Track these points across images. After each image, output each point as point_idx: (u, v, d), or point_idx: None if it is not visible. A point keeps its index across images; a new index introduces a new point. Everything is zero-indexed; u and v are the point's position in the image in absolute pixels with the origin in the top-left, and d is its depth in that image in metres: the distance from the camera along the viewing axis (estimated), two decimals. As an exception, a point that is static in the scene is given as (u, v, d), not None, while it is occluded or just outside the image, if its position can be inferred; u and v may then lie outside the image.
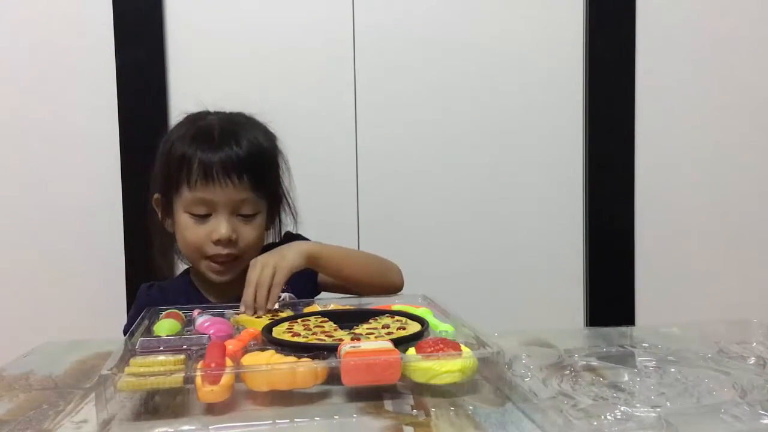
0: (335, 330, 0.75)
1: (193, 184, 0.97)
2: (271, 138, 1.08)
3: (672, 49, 1.47)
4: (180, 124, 1.07)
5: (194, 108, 1.39)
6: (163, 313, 0.85)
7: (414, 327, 0.76)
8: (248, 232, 1.01)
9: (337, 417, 0.59)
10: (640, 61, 1.46)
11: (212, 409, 0.60)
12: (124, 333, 1.01)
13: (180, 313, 0.85)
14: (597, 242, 1.48)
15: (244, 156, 0.99)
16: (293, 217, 1.11)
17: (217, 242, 0.98)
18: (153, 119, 1.39)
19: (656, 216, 1.49)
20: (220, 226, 0.98)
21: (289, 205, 1.10)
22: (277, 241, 1.12)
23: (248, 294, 0.88)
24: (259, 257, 0.93)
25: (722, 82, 1.49)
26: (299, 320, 0.80)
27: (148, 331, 0.78)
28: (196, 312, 0.86)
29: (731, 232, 1.51)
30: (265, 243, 1.10)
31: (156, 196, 1.06)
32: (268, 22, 1.41)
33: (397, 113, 1.44)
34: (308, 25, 1.41)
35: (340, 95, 1.41)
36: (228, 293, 1.01)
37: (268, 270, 0.89)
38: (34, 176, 1.40)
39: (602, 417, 0.55)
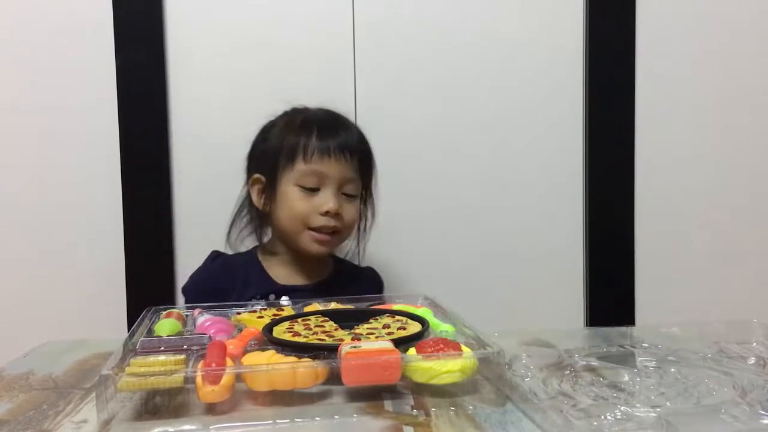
0: (336, 330, 0.75)
1: (309, 157, 1.06)
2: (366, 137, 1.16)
3: (672, 49, 1.47)
4: (285, 116, 1.15)
5: (196, 108, 1.40)
6: (164, 312, 0.85)
7: (414, 327, 0.76)
8: (350, 211, 1.09)
9: (337, 417, 0.60)
10: (640, 61, 1.46)
11: (212, 409, 0.61)
12: (183, 292, 1.14)
13: (181, 312, 0.86)
14: (597, 242, 1.48)
15: (355, 141, 1.11)
16: (372, 215, 1.19)
17: (325, 214, 1.06)
18: (153, 120, 1.39)
19: (656, 216, 1.49)
20: (330, 200, 1.06)
21: (372, 204, 1.18)
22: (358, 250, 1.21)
23: None
24: None
25: (722, 81, 1.49)
26: (300, 320, 0.80)
27: (149, 331, 0.78)
28: (196, 311, 0.86)
29: (731, 232, 1.51)
30: None
31: (256, 176, 1.12)
32: (268, 23, 1.41)
33: (397, 113, 1.44)
34: (308, 25, 1.41)
35: (341, 95, 1.41)
36: (292, 278, 1.11)
37: None
38: (34, 176, 1.40)
39: (602, 417, 0.55)
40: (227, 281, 1.11)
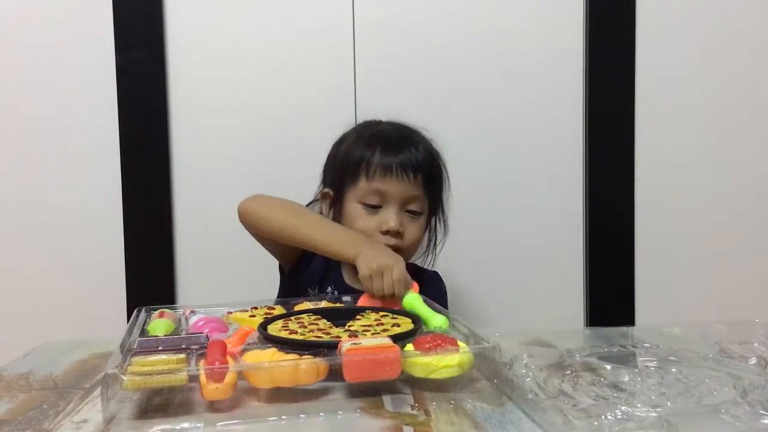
0: (330, 327, 0.76)
1: (371, 176, 1.05)
2: (437, 150, 1.15)
3: (672, 48, 1.47)
4: (354, 130, 1.15)
5: (195, 108, 1.40)
6: (155, 312, 0.86)
7: (406, 322, 0.77)
8: (413, 229, 1.08)
9: (341, 413, 0.60)
10: (640, 61, 1.46)
11: (214, 407, 0.61)
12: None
13: (172, 312, 0.86)
14: (597, 242, 1.48)
15: (420, 158, 1.08)
16: (444, 229, 1.18)
17: (386, 233, 1.04)
18: (153, 120, 1.39)
19: (656, 216, 1.49)
20: (390, 218, 1.04)
21: (444, 218, 1.18)
22: (428, 266, 1.19)
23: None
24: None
25: (722, 81, 1.49)
26: (293, 318, 0.80)
27: (142, 332, 0.78)
28: (187, 311, 0.86)
29: (731, 232, 1.51)
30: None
31: (325, 190, 1.13)
32: (268, 23, 1.41)
33: (397, 113, 1.43)
34: (308, 24, 1.41)
35: (340, 94, 1.41)
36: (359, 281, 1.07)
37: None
38: (33, 176, 1.40)
39: (603, 417, 0.55)
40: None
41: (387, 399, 0.63)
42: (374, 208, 1.05)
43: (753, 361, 0.71)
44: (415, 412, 0.60)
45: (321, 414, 0.60)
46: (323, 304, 0.92)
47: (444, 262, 1.44)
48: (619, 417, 0.55)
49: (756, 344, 0.77)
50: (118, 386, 0.58)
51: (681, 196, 1.50)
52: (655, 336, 0.85)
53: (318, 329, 0.75)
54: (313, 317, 0.81)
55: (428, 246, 1.18)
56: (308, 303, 0.91)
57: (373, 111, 1.41)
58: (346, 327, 0.76)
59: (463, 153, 1.45)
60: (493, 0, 1.44)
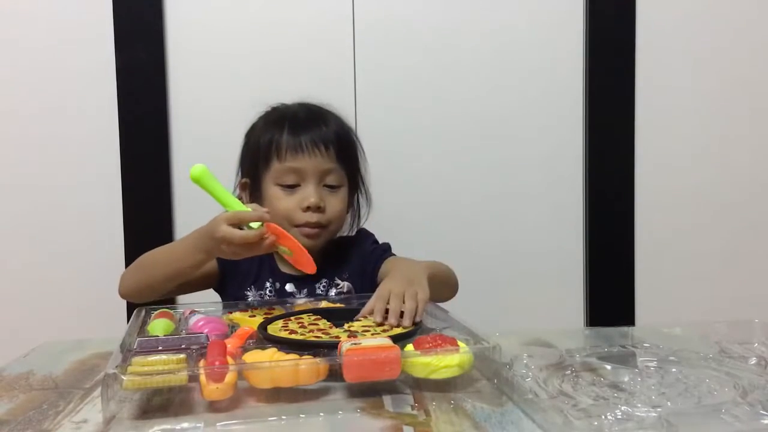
0: (330, 327, 0.76)
1: (283, 156, 1.04)
2: (348, 124, 1.14)
3: (672, 49, 1.47)
4: (263, 116, 1.14)
5: (196, 108, 1.40)
6: (155, 312, 0.86)
7: None
8: (334, 202, 1.06)
9: (341, 413, 0.60)
10: (640, 62, 1.46)
11: (214, 407, 0.61)
12: None
13: (172, 312, 0.86)
14: (597, 242, 1.48)
15: (330, 132, 1.07)
16: (367, 202, 1.17)
17: (307, 209, 1.03)
18: (153, 120, 1.39)
19: (656, 216, 1.49)
20: (310, 194, 1.04)
21: (365, 191, 1.16)
22: (351, 234, 1.16)
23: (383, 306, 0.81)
24: (392, 287, 0.84)
25: (722, 82, 1.49)
26: (293, 318, 0.81)
27: (142, 332, 0.78)
28: (187, 311, 0.86)
29: (731, 232, 1.51)
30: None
31: (243, 180, 1.12)
32: (268, 22, 1.41)
33: (397, 112, 1.44)
34: (308, 24, 1.41)
35: (340, 94, 1.41)
36: (292, 268, 1.06)
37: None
38: (34, 176, 1.40)
39: (603, 417, 0.55)
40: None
41: (387, 399, 0.63)
42: (292, 188, 1.04)
43: (753, 361, 0.71)
44: (415, 412, 0.60)
45: (321, 414, 0.60)
46: (323, 304, 0.92)
47: (444, 261, 1.44)
48: (619, 417, 0.55)
49: (756, 344, 0.77)
50: (118, 386, 0.58)
51: (681, 196, 1.50)
52: (655, 336, 0.85)
53: (318, 329, 0.75)
54: (313, 317, 0.81)
55: (353, 222, 1.16)
56: (308, 303, 0.92)
57: (373, 111, 1.42)
58: (346, 327, 0.76)
59: (463, 153, 1.45)
60: (493, 2, 1.44)
